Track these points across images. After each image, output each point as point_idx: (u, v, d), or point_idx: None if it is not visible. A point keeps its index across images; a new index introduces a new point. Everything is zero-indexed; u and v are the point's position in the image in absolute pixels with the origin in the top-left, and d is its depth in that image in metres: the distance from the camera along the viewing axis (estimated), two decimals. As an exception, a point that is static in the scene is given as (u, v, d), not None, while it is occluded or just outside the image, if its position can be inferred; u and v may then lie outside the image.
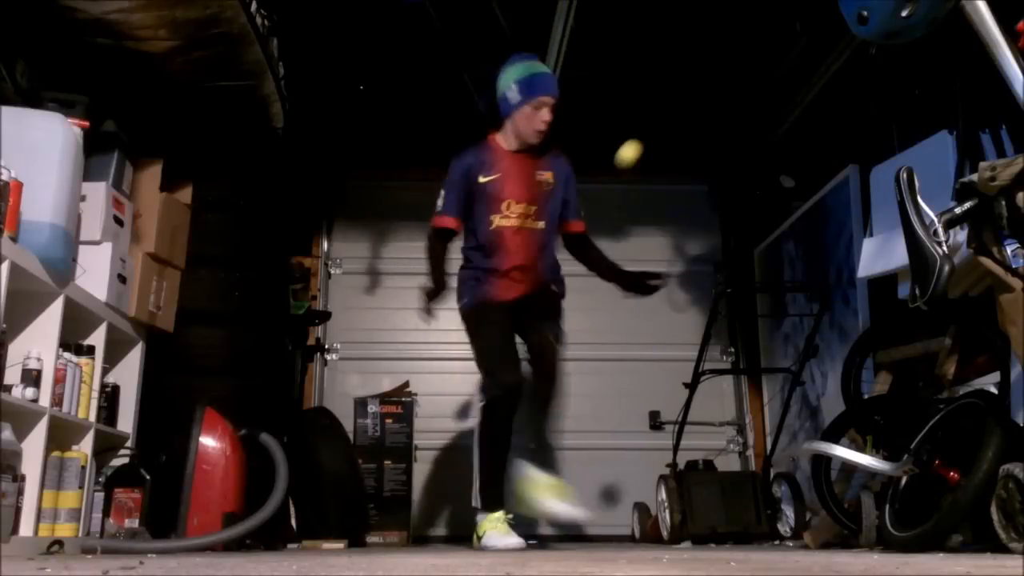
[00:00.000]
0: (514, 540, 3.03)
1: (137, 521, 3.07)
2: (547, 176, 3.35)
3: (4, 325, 2.48)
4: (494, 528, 3.07)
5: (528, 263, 3.29)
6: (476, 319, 3.29)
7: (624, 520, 4.37)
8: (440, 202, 3.35)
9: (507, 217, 3.27)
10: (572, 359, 3.49)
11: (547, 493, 3.09)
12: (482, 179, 3.29)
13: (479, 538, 3.11)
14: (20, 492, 2.58)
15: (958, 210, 2.24)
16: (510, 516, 3.13)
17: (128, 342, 3.40)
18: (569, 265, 3.56)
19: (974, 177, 2.22)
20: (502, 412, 3.12)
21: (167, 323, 3.57)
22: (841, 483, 3.27)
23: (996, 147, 3.01)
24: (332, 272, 5.23)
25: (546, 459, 3.21)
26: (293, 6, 3.78)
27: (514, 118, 3.30)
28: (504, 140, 3.37)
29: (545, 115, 3.25)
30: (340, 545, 3.67)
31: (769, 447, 4.25)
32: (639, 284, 3.50)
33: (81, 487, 2.89)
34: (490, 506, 3.12)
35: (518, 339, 3.33)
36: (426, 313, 3.32)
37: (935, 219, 2.20)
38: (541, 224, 3.32)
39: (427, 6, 4.05)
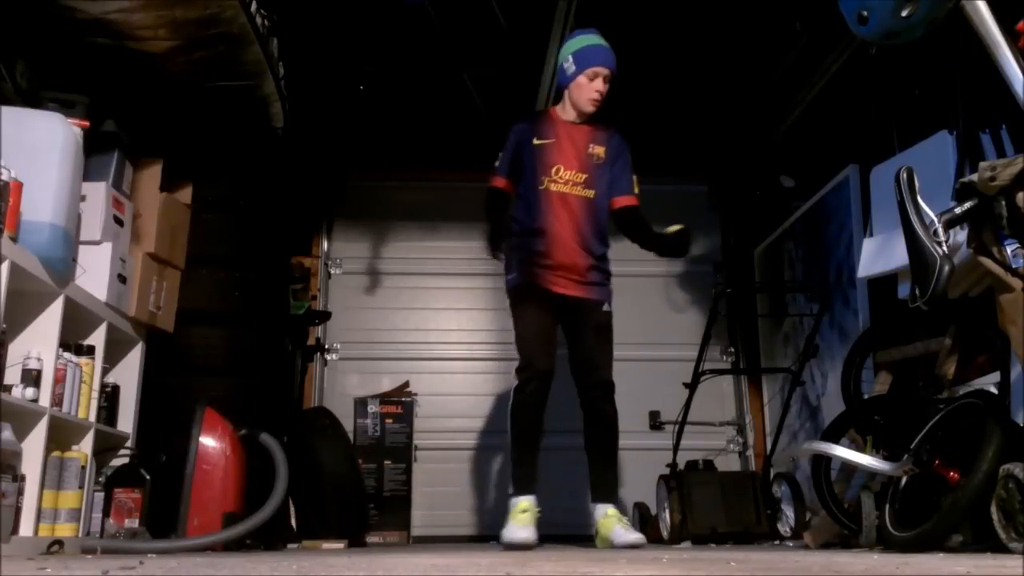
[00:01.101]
0: (524, 534, 3.07)
1: (137, 521, 3.08)
2: (599, 151, 3.45)
3: (4, 325, 2.48)
4: (515, 519, 3.13)
5: (573, 229, 3.35)
6: (520, 300, 3.38)
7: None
8: (497, 163, 3.49)
9: (556, 182, 3.38)
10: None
11: (611, 524, 3.20)
12: (536, 141, 3.42)
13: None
14: (20, 492, 2.58)
15: (958, 210, 2.24)
16: (539, 510, 3.18)
17: (128, 342, 3.40)
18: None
19: (974, 177, 2.22)
20: (531, 396, 3.23)
21: (167, 323, 3.56)
22: (841, 483, 3.27)
23: (996, 147, 3.01)
24: (332, 272, 5.23)
25: (604, 491, 3.32)
26: (293, 6, 3.78)
27: (570, 88, 3.43)
28: (562, 111, 3.50)
29: (599, 85, 3.38)
30: (340, 545, 3.67)
31: (769, 447, 4.24)
32: (671, 247, 3.55)
33: (81, 487, 2.89)
34: (519, 490, 3.20)
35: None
36: (493, 255, 3.38)
37: (935, 219, 2.20)
38: (591, 193, 3.40)
39: (427, 6, 4.05)
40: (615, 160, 3.47)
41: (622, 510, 3.33)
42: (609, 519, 3.22)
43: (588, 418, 3.34)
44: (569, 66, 3.41)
